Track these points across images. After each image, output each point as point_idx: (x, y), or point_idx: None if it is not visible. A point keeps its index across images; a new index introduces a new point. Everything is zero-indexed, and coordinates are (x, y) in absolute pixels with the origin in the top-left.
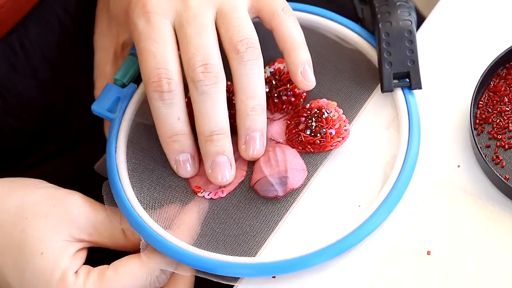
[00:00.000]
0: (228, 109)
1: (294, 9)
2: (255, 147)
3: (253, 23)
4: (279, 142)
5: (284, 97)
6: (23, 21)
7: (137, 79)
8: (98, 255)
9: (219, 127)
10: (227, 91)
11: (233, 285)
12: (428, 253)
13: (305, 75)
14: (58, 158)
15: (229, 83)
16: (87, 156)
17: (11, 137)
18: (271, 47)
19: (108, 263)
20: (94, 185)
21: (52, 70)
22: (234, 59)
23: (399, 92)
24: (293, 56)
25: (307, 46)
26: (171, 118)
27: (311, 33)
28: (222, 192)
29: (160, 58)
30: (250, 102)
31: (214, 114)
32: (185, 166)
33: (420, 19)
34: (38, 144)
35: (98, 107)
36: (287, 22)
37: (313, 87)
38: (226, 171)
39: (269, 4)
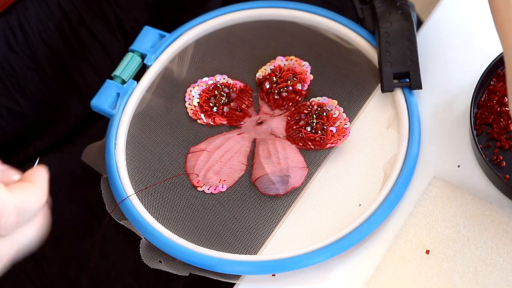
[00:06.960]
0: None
1: (294, 9)
2: None
3: (256, 21)
4: (278, 137)
5: (284, 94)
6: (23, 0)
7: (137, 75)
8: None
9: None
10: (226, 87)
11: (234, 284)
12: (427, 252)
13: None
14: (56, 152)
15: (228, 79)
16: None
17: (7, 120)
18: (270, 45)
19: None
20: (91, 181)
21: (51, 54)
22: None
23: (399, 92)
24: None
25: (307, 45)
26: None
27: (311, 33)
28: (223, 187)
29: None
30: None
31: None
32: None
33: (418, 22)
34: (35, 131)
35: (98, 103)
36: None
37: None
38: None
39: None
